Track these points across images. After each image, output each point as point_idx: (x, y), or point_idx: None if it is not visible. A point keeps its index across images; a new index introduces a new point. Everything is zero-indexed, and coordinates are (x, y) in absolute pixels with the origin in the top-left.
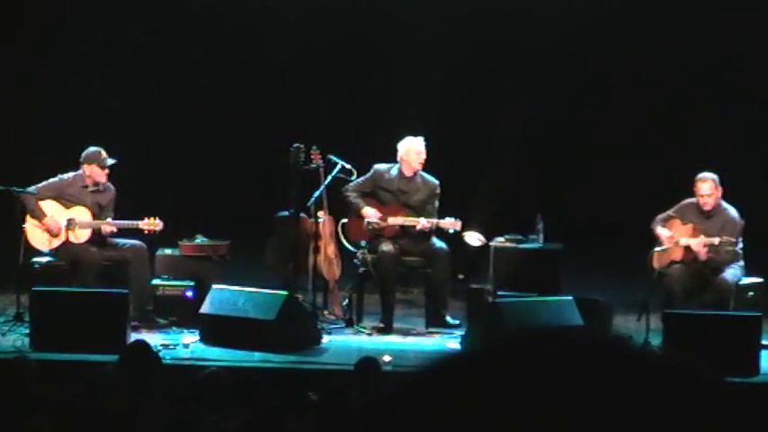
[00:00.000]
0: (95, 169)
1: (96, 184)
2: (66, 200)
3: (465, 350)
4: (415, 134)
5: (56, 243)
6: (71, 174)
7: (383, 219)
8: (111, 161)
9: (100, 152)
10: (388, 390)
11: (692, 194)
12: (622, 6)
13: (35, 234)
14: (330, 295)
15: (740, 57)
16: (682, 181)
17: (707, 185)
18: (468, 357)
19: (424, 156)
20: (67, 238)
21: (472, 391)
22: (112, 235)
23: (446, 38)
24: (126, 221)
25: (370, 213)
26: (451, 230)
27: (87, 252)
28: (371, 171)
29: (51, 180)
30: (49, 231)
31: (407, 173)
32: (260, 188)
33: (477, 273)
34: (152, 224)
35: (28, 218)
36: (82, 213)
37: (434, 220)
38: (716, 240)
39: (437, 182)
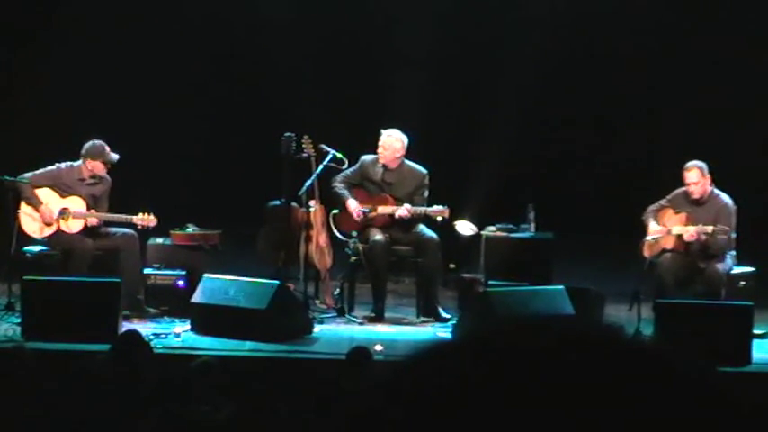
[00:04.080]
0: (99, 165)
1: (94, 176)
2: (61, 189)
3: (454, 339)
4: (406, 125)
5: (48, 232)
6: (68, 163)
7: (374, 209)
8: (115, 156)
9: (104, 147)
10: (377, 379)
11: (683, 184)
12: None
13: (28, 221)
14: (322, 284)
15: (729, 45)
16: (673, 170)
17: (693, 174)
18: (457, 346)
19: (386, 151)
20: (59, 227)
21: (460, 379)
22: (104, 224)
23: (440, 26)
24: (120, 215)
25: (353, 206)
26: (440, 218)
27: (80, 242)
28: (358, 163)
29: (48, 168)
30: (42, 219)
31: (388, 165)
32: (251, 177)
33: (468, 262)
34: (146, 219)
35: (23, 204)
36: (77, 204)
37: (422, 209)
38: (709, 229)
39: (425, 171)
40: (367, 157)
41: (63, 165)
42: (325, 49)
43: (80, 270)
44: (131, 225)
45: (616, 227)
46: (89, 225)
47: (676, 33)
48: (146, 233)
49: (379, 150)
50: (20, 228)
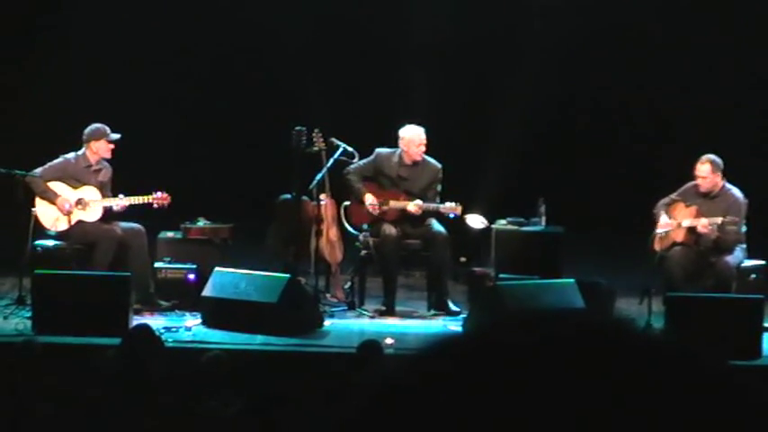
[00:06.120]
0: (103, 145)
1: (98, 162)
2: (72, 179)
3: (464, 332)
4: (417, 119)
5: (66, 224)
6: (73, 154)
7: (386, 203)
8: (116, 135)
9: (105, 128)
10: (387, 372)
11: (694, 178)
12: None
13: (47, 215)
14: (332, 278)
15: (740, 39)
16: (683, 164)
17: (705, 168)
18: (467, 339)
19: (423, 147)
20: (70, 219)
21: (471, 373)
22: (114, 216)
23: (451, 21)
24: (136, 197)
25: (370, 201)
26: (452, 215)
27: (106, 232)
28: (373, 155)
29: (55, 161)
30: (60, 211)
31: (408, 160)
32: (262, 171)
33: (479, 256)
34: (161, 197)
35: (38, 200)
36: (90, 193)
37: (434, 205)
38: (719, 219)
39: (439, 165)
40: (383, 151)
41: (69, 155)
42: (337, 43)
43: (105, 262)
44: (148, 206)
45: (627, 220)
46: (117, 209)
47: (686, 30)
48: (154, 227)
49: (420, 148)
50: (36, 222)
